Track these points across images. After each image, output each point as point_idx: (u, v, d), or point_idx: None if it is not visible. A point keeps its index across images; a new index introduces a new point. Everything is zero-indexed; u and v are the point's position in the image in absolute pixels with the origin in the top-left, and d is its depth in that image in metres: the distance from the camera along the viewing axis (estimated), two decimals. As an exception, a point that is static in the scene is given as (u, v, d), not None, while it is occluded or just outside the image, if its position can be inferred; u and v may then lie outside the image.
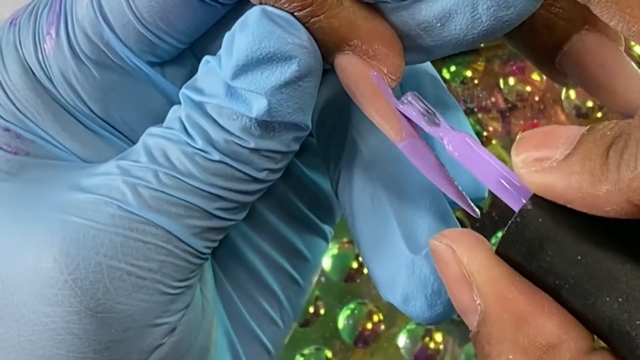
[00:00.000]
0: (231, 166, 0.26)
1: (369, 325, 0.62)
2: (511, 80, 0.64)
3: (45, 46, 0.28)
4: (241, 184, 0.26)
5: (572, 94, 0.64)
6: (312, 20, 0.25)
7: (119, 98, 0.28)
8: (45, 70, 0.28)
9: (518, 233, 0.23)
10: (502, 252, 0.24)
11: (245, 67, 0.25)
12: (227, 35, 0.26)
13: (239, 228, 0.32)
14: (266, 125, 0.26)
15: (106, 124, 0.28)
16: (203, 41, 0.28)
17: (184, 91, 0.26)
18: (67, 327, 0.25)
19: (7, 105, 0.28)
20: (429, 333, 0.62)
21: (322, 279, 0.62)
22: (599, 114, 0.64)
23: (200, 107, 0.26)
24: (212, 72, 0.26)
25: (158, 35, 0.27)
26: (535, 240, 0.23)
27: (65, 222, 0.25)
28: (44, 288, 0.25)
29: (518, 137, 0.23)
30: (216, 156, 0.26)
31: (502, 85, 0.64)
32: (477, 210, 0.26)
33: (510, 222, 0.24)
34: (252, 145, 0.26)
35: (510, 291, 0.23)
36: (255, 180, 0.27)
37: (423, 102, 0.26)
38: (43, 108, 0.28)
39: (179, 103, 0.28)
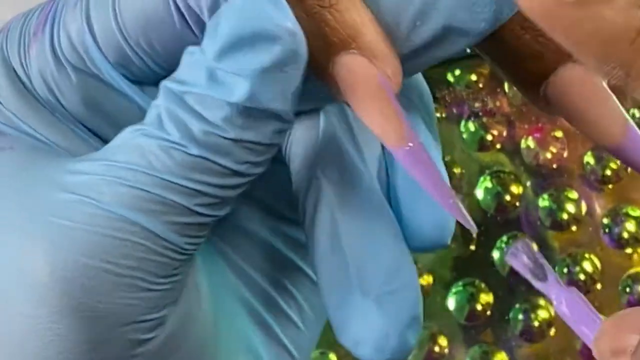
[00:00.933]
0: (210, 160, 0.26)
1: (374, 329, 0.62)
2: (516, 84, 0.64)
3: (30, 46, 0.28)
4: (221, 178, 0.26)
5: (577, 98, 0.64)
6: (322, 12, 0.25)
7: (93, 104, 0.28)
8: (25, 68, 0.28)
9: None
10: None
11: (230, 47, 0.25)
12: (212, 18, 0.25)
13: (243, 223, 0.32)
14: (247, 113, 0.25)
15: (83, 127, 0.29)
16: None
17: (164, 83, 0.26)
18: (53, 327, 0.25)
19: None
20: (433, 337, 0.62)
21: (327, 282, 0.62)
22: (604, 118, 0.64)
23: (179, 97, 0.26)
24: (193, 60, 0.26)
25: (136, 52, 0.27)
26: None
27: (48, 223, 0.25)
28: (30, 290, 0.25)
29: (601, 323, 0.24)
30: (194, 150, 0.25)
31: (506, 89, 0.64)
32: (474, 226, 0.26)
33: None
34: (232, 135, 0.25)
35: None
36: (236, 173, 0.26)
37: (532, 253, 0.26)
38: (25, 105, 0.28)
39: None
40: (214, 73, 0.25)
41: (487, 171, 0.64)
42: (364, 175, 0.29)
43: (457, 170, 0.64)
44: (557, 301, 0.25)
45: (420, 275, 0.63)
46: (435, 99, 0.64)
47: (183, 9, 0.27)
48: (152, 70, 0.28)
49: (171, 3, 0.27)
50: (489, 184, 0.63)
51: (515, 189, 0.64)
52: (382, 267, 0.28)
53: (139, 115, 0.29)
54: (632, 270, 0.63)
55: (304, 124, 0.30)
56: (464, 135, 0.63)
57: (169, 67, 0.28)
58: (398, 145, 0.25)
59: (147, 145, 0.26)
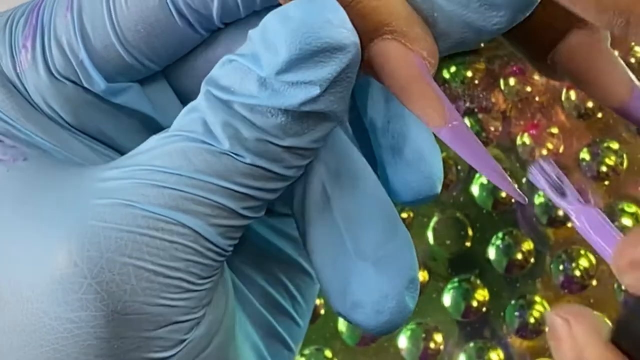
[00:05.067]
0: (261, 167, 0.26)
1: (369, 326, 0.62)
2: (511, 81, 0.64)
3: (22, 59, 0.28)
4: (270, 182, 0.26)
5: (572, 94, 0.64)
6: (353, 2, 0.25)
7: (91, 113, 0.28)
8: (23, 82, 0.28)
9: (625, 326, 0.24)
10: (615, 341, 0.24)
11: (298, 59, 0.25)
12: (257, 31, 0.25)
13: None
14: (305, 119, 0.25)
15: (84, 135, 0.28)
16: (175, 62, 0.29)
17: (208, 89, 0.26)
18: (94, 332, 0.25)
19: None
20: (429, 334, 0.62)
21: (322, 279, 0.62)
22: (600, 114, 0.64)
23: (227, 106, 0.25)
24: (240, 69, 0.25)
25: (139, 60, 0.27)
26: None
27: (82, 227, 0.25)
28: (67, 294, 0.25)
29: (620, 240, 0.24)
30: (247, 158, 0.26)
31: (502, 86, 0.64)
32: (525, 197, 0.26)
33: (619, 314, 0.24)
34: (286, 143, 0.26)
35: None
36: (284, 178, 0.26)
37: (553, 169, 0.26)
38: (26, 116, 0.28)
39: (152, 119, 0.28)
40: (269, 83, 0.25)
41: (483, 167, 0.64)
42: (349, 144, 0.30)
43: (452, 167, 0.64)
44: (576, 217, 0.26)
45: (415, 271, 0.63)
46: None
47: (185, 11, 0.27)
48: (152, 70, 0.28)
49: (172, 8, 0.27)
50: (484, 180, 0.63)
51: (511, 186, 0.64)
52: (377, 232, 0.28)
53: (131, 126, 0.29)
54: (627, 267, 0.63)
55: None
56: (460, 132, 0.64)
57: (168, 63, 0.28)
58: (441, 125, 0.25)
59: (192, 151, 0.26)
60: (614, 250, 0.23)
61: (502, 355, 0.63)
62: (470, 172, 0.64)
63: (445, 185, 0.63)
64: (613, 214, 0.63)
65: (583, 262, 0.63)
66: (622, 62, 0.28)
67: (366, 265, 0.28)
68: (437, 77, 0.64)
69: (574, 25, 0.28)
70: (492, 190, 0.63)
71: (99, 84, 0.28)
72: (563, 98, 0.64)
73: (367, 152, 0.31)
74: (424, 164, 0.30)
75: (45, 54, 0.28)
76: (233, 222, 0.26)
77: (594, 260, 0.63)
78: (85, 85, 0.28)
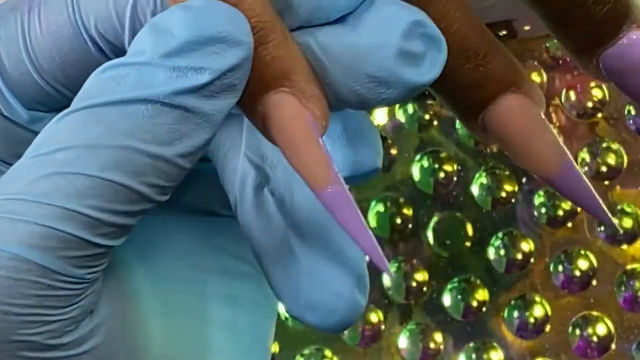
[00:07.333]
0: (114, 182, 0.24)
1: (369, 326, 0.62)
2: (511, 81, 0.64)
3: None
4: (124, 204, 0.24)
5: (572, 94, 0.64)
6: (259, 48, 0.24)
7: (12, 142, 0.28)
8: None
9: None
10: None
11: (192, 45, 0.24)
12: (144, 28, 0.24)
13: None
14: (174, 121, 0.24)
15: (9, 165, 0.28)
16: None
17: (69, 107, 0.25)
18: None
19: None
20: (428, 333, 0.62)
21: (322, 279, 0.62)
22: (600, 115, 0.64)
23: (86, 109, 0.24)
24: (112, 76, 0.24)
25: (55, 87, 0.27)
26: None
27: None
28: None
29: None
30: (96, 170, 0.24)
31: (502, 86, 0.64)
32: (390, 271, 0.26)
33: None
34: (149, 149, 0.24)
35: None
36: (142, 199, 0.24)
37: None
38: None
39: None
40: (145, 71, 0.24)
41: (483, 168, 0.64)
42: None
43: (452, 167, 0.64)
44: None
45: (416, 271, 0.63)
46: (431, 96, 0.64)
47: (99, 40, 0.26)
48: (69, 99, 0.27)
49: (86, 37, 0.26)
50: (484, 181, 0.63)
51: (511, 186, 0.64)
52: (323, 235, 0.28)
53: None
54: (627, 267, 0.63)
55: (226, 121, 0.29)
56: (459, 132, 0.64)
57: None
58: (322, 188, 0.25)
59: (39, 170, 0.24)
60: None
61: (501, 355, 0.63)
62: (470, 172, 0.64)
63: (445, 185, 0.64)
64: (613, 214, 0.63)
65: (583, 262, 0.63)
66: (553, 131, 0.27)
67: (316, 269, 0.28)
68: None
69: (507, 89, 0.27)
70: (491, 190, 0.63)
71: (20, 112, 0.27)
72: (563, 98, 0.64)
73: None
74: (364, 137, 0.29)
75: None
76: (85, 252, 0.24)
77: (594, 260, 0.63)
78: (5, 113, 0.27)
